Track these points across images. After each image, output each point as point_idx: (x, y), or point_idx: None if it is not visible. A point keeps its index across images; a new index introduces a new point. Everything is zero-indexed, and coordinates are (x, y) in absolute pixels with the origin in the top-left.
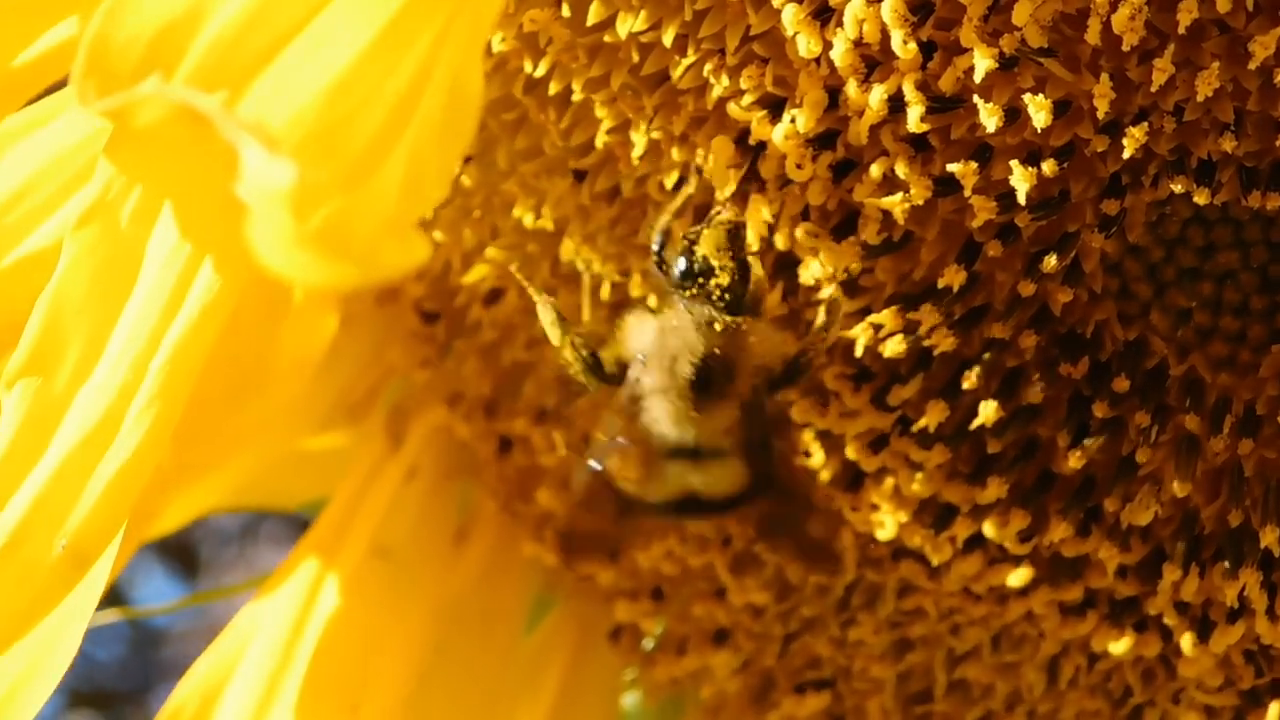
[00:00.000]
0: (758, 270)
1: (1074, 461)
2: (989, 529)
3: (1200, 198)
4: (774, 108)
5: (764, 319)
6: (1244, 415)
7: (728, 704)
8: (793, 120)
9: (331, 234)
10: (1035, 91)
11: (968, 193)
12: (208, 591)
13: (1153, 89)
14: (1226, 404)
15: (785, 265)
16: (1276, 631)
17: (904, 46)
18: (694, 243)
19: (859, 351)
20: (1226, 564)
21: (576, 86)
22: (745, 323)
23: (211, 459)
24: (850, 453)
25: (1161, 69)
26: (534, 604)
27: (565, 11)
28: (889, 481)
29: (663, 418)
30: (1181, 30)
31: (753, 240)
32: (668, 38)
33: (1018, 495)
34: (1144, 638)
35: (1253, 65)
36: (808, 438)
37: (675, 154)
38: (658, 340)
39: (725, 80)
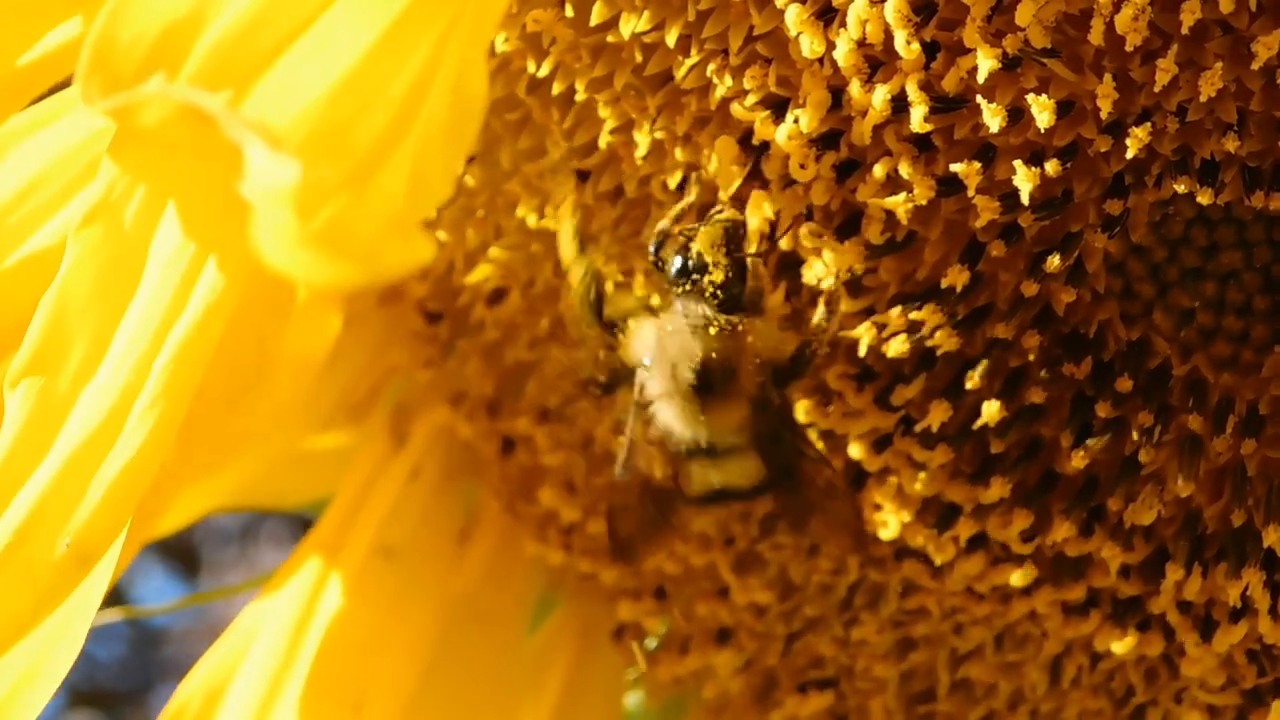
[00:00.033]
0: (759, 269)
1: (1077, 461)
2: (992, 529)
3: (1203, 198)
4: (777, 108)
5: (764, 317)
6: (1247, 415)
7: (730, 703)
8: (796, 120)
9: (335, 233)
10: (1038, 92)
11: (971, 193)
12: (208, 591)
13: (1156, 89)
14: (1229, 404)
15: (788, 265)
16: (1279, 631)
17: (907, 47)
18: (690, 239)
19: (862, 351)
20: (1229, 564)
21: (580, 87)
22: (742, 322)
23: (214, 458)
24: (853, 453)
25: (1165, 69)
26: (537, 603)
27: (569, 12)
28: (892, 481)
29: (673, 420)
30: (1185, 30)
31: (755, 240)
32: (671, 38)
33: (1021, 495)
34: (1147, 637)
35: (1256, 65)
36: (811, 438)
37: (679, 154)
38: (658, 346)
39: (729, 80)
